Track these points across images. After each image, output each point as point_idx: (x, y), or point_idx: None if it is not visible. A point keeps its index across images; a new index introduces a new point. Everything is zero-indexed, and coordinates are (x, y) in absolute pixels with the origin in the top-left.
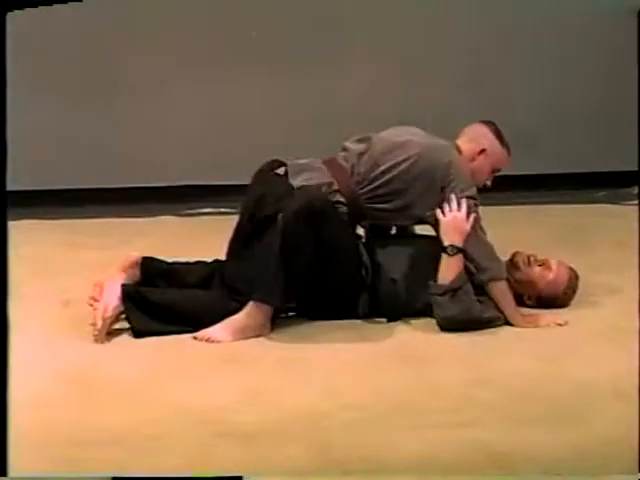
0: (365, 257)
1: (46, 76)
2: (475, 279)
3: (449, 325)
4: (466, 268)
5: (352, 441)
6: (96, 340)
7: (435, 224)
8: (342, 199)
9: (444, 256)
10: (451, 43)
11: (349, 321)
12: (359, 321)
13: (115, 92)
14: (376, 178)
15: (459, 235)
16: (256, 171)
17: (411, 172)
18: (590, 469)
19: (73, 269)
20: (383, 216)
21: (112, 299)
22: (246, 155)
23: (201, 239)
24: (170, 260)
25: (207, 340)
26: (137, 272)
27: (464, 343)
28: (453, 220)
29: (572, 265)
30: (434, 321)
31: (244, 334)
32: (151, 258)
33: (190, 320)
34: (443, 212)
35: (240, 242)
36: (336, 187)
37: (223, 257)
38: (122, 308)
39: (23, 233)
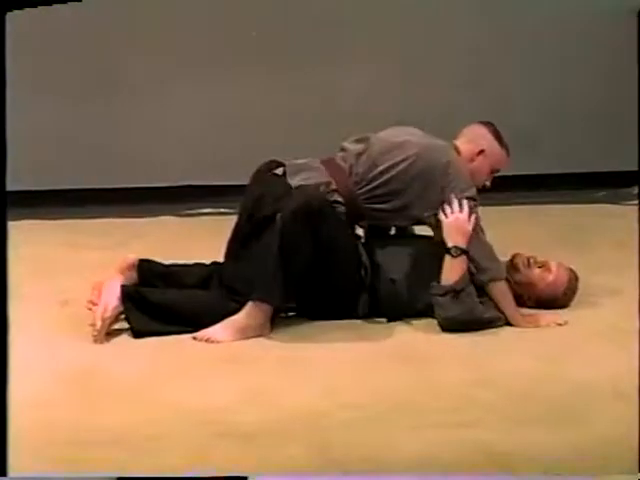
0: (364, 257)
1: (46, 76)
2: (475, 279)
3: (450, 326)
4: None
5: (352, 441)
6: (95, 340)
7: (435, 225)
8: (340, 199)
9: (447, 257)
10: (451, 43)
11: (349, 321)
12: (359, 321)
13: (115, 92)
14: (374, 178)
15: (462, 236)
16: (254, 171)
17: (409, 172)
18: (590, 469)
19: (73, 269)
20: (381, 216)
21: (111, 299)
22: (246, 155)
23: (201, 239)
24: (168, 262)
25: (207, 340)
26: (134, 274)
27: (464, 343)
28: (456, 221)
29: (572, 265)
30: (435, 321)
31: (244, 334)
32: (148, 260)
33: (190, 320)
34: (445, 213)
35: (239, 242)
36: (334, 187)
37: (222, 258)
38: (121, 308)
39: (23, 233)
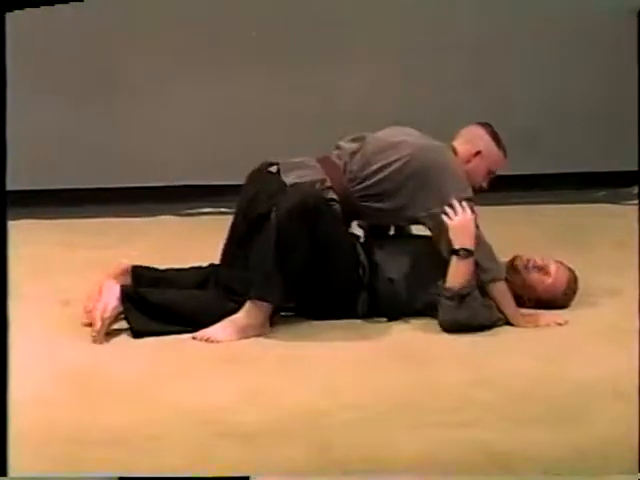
0: (362, 256)
1: (46, 76)
2: (476, 280)
3: (452, 327)
4: None
5: (352, 441)
6: (95, 341)
7: (434, 225)
8: (335, 196)
9: (454, 259)
10: (451, 43)
11: (349, 320)
12: (359, 320)
13: (115, 92)
14: (368, 177)
15: (469, 238)
16: (250, 172)
17: (403, 173)
18: (590, 469)
19: (72, 269)
20: (376, 215)
21: (111, 300)
22: (246, 155)
23: (201, 239)
24: (165, 265)
25: (206, 340)
26: (128, 280)
27: (464, 343)
28: (463, 223)
29: (572, 265)
30: (434, 321)
31: (244, 333)
32: (141, 266)
33: (189, 320)
34: (449, 216)
35: (235, 242)
36: (329, 184)
37: (219, 259)
38: (121, 309)
39: (23, 233)
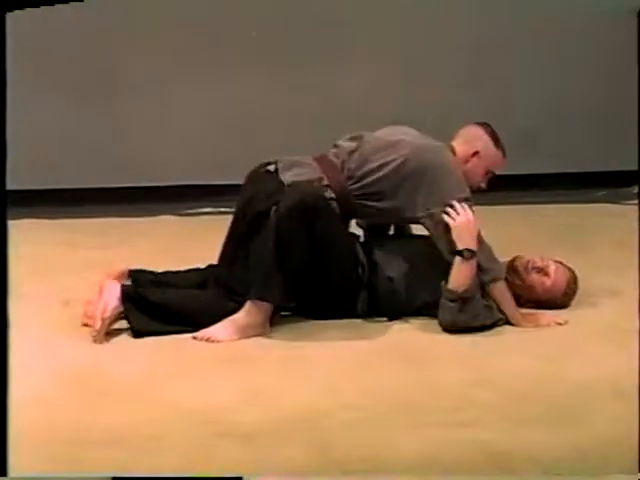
0: (361, 255)
1: (46, 76)
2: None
3: (452, 328)
4: None
5: (352, 441)
6: (95, 340)
7: (432, 225)
8: (332, 195)
9: (458, 260)
10: (451, 43)
11: (349, 320)
12: (359, 320)
13: (115, 92)
14: (365, 176)
15: (473, 238)
16: (249, 172)
17: (401, 172)
18: (590, 469)
19: (73, 268)
20: (374, 214)
21: (111, 299)
22: (246, 155)
23: (201, 239)
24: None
25: (207, 340)
26: (127, 283)
27: (464, 343)
28: (465, 223)
29: (572, 265)
30: (434, 321)
31: (244, 333)
32: (137, 270)
33: (189, 320)
34: (451, 216)
35: (234, 242)
36: (326, 182)
37: (217, 260)
38: (121, 308)
39: (23, 232)
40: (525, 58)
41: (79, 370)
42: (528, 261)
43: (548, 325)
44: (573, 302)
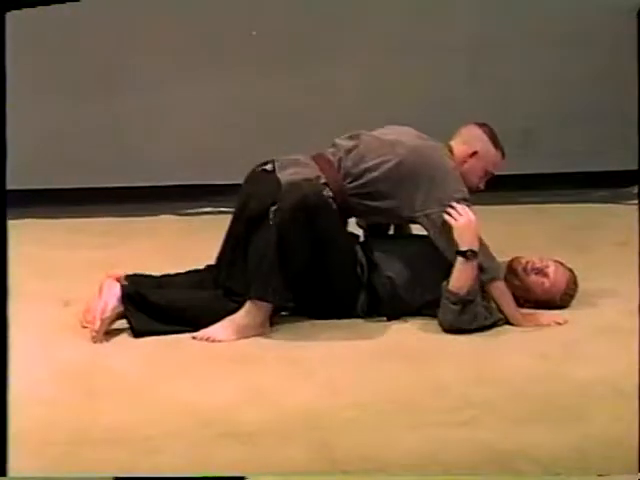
0: (360, 255)
1: (46, 76)
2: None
3: (452, 328)
4: None
5: (352, 440)
6: (94, 340)
7: (430, 225)
8: (330, 193)
9: (460, 260)
10: (451, 43)
11: (349, 320)
12: (359, 320)
13: (115, 92)
14: (361, 174)
15: (475, 239)
16: (249, 172)
17: (398, 173)
18: (590, 469)
19: (73, 268)
20: (372, 212)
21: (111, 299)
22: (246, 155)
23: (201, 239)
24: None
25: (207, 340)
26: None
27: (464, 343)
28: (468, 224)
29: (572, 265)
30: (434, 321)
31: (244, 333)
32: (134, 275)
33: (190, 320)
34: (451, 216)
35: (233, 242)
36: (323, 180)
37: (215, 260)
38: (121, 308)
39: (23, 232)
40: (525, 58)
41: (79, 370)
42: (527, 262)
43: (548, 325)
44: (573, 302)
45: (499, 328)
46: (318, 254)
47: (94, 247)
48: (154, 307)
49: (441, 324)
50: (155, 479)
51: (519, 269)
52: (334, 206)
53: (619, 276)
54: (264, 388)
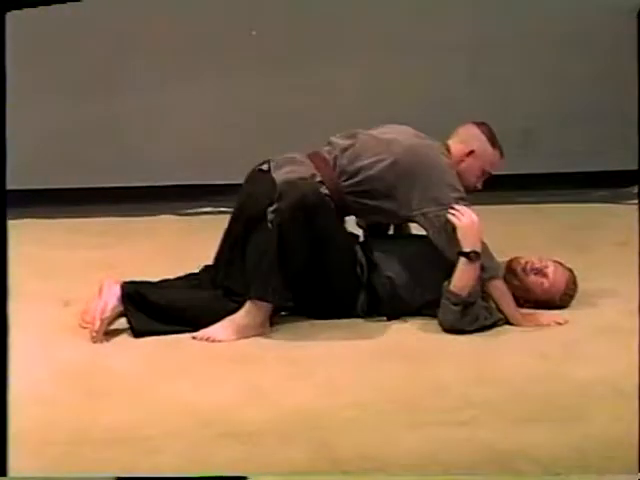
0: (360, 254)
1: (46, 76)
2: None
3: (453, 328)
4: None
5: (352, 440)
6: (94, 340)
7: (429, 225)
8: (326, 191)
9: (463, 261)
10: (451, 43)
11: (349, 320)
12: (359, 320)
13: (115, 92)
14: (356, 173)
15: (478, 239)
16: (249, 172)
17: (393, 172)
18: (590, 469)
19: (73, 268)
20: (369, 211)
21: (111, 299)
22: (246, 155)
23: (201, 239)
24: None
25: (207, 340)
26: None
27: (464, 342)
28: (471, 224)
29: (572, 265)
30: (434, 321)
31: (244, 333)
32: (131, 282)
33: (190, 320)
34: (457, 217)
35: (231, 243)
36: (319, 179)
37: (213, 260)
38: (121, 308)
39: (23, 232)
40: (525, 58)
41: (79, 370)
42: (526, 262)
43: (548, 325)
44: (573, 302)
45: (499, 328)
46: (317, 253)
47: (94, 247)
48: (154, 307)
49: (441, 324)
50: (155, 479)
51: (518, 269)
52: (332, 205)
53: (619, 276)
54: (264, 388)
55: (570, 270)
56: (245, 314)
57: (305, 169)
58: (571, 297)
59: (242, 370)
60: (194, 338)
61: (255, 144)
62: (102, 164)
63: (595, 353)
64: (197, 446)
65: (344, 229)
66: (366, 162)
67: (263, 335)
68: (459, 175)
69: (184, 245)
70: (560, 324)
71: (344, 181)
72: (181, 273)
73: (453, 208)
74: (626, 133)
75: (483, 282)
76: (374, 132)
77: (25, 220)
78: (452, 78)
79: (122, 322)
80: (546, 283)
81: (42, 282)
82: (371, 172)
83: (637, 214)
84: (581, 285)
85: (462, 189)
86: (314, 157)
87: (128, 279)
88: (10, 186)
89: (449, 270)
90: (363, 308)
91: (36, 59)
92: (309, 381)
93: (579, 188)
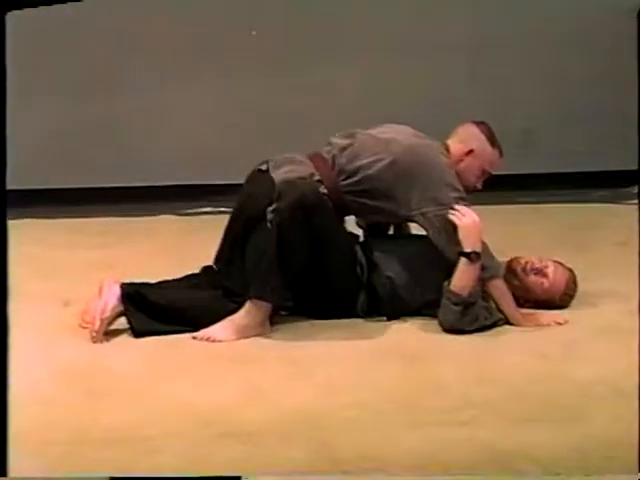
0: (360, 254)
1: (46, 76)
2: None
3: (453, 328)
4: None
5: (352, 440)
6: (93, 340)
7: (428, 225)
8: (325, 191)
9: (464, 261)
10: (451, 42)
11: (349, 320)
12: (359, 320)
13: (115, 92)
14: (355, 172)
15: (479, 240)
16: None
17: (392, 171)
18: (590, 469)
19: (73, 268)
20: (367, 210)
21: (111, 299)
22: (246, 155)
23: (201, 239)
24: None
25: (207, 340)
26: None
27: (464, 342)
28: (472, 225)
29: (572, 265)
30: (434, 321)
31: (244, 333)
32: (130, 283)
33: (190, 320)
34: (457, 217)
35: (230, 243)
36: (317, 178)
37: (213, 261)
38: (121, 308)
39: (23, 232)
40: (525, 57)
41: (79, 370)
42: (526, 262)
43: (548, 325)
44: (573, 302)
45: (499, 328)
46: (317, 253)
47: (94, 247)
48: (154, 307)
49: (441, 324)
50: (155, 479)
51: (518, 269)
52: (330, 204)
53: (619, 276)
54: (264, 388)
55: (570, 270)
56: (245, 314)
57: (304, 169)
58: (571, 297)
59: (242, 370)
60: (194, 338)
61: (255, 144)
62: (102, 164)
63: (595, 353)
64: (197, 446)
65: (344, 229)
66: (365, 161)
67: (263, 335)
68: (458, 175)
69: (184, 245)
70: (560, 324)
71: (343, 180)
72: (181, 273)
73: (454, 208)
74: (626, 133)
75: (483, 282)
76: (373, 132)
77: (25, 220)
78: (452, 78)
79: (122, 322)
80: (546, 283)
81: (42, 282)
82: (370, 171)
83: (637, 214)
84: (581, 285)
85: (461, 189)
86: (313, 157)
87: (128, 279)
88: (10, 186)
89: (449, 270)
90: (363, 308)
91: (36, 59)
92: (309, 381)
93: (579, 188)
